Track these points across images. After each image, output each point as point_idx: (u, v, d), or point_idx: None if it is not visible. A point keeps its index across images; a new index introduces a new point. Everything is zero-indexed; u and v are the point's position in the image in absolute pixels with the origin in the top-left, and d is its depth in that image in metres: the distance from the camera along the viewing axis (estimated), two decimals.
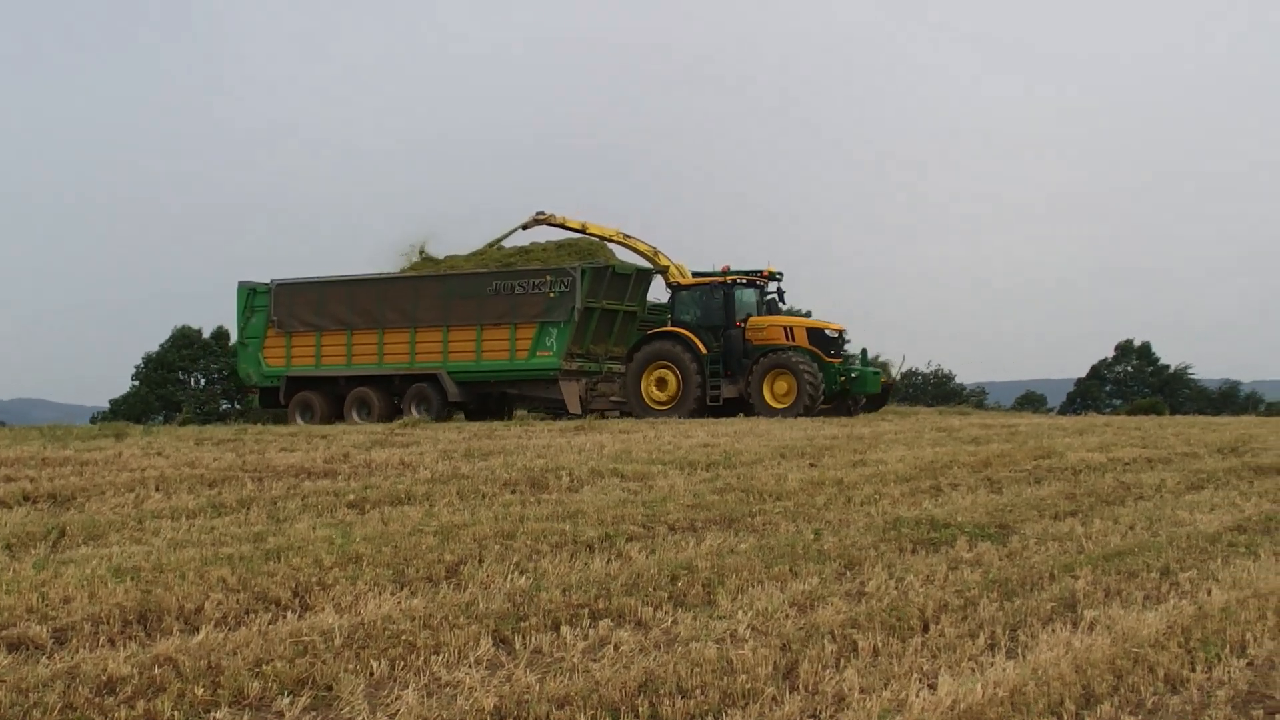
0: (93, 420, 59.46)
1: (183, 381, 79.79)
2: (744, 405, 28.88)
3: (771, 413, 27.73)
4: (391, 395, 31.05)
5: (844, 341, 30.22)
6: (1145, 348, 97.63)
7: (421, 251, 33.90)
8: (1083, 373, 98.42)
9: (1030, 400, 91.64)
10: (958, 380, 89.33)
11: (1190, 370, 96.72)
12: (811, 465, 15.82)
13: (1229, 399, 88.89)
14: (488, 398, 31.52)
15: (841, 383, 29.38)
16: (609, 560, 9.57)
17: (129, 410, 70.42)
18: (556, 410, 30.48)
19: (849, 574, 9.45)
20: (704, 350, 29.13)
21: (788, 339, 29.32)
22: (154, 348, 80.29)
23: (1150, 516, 12.52)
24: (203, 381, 79.92)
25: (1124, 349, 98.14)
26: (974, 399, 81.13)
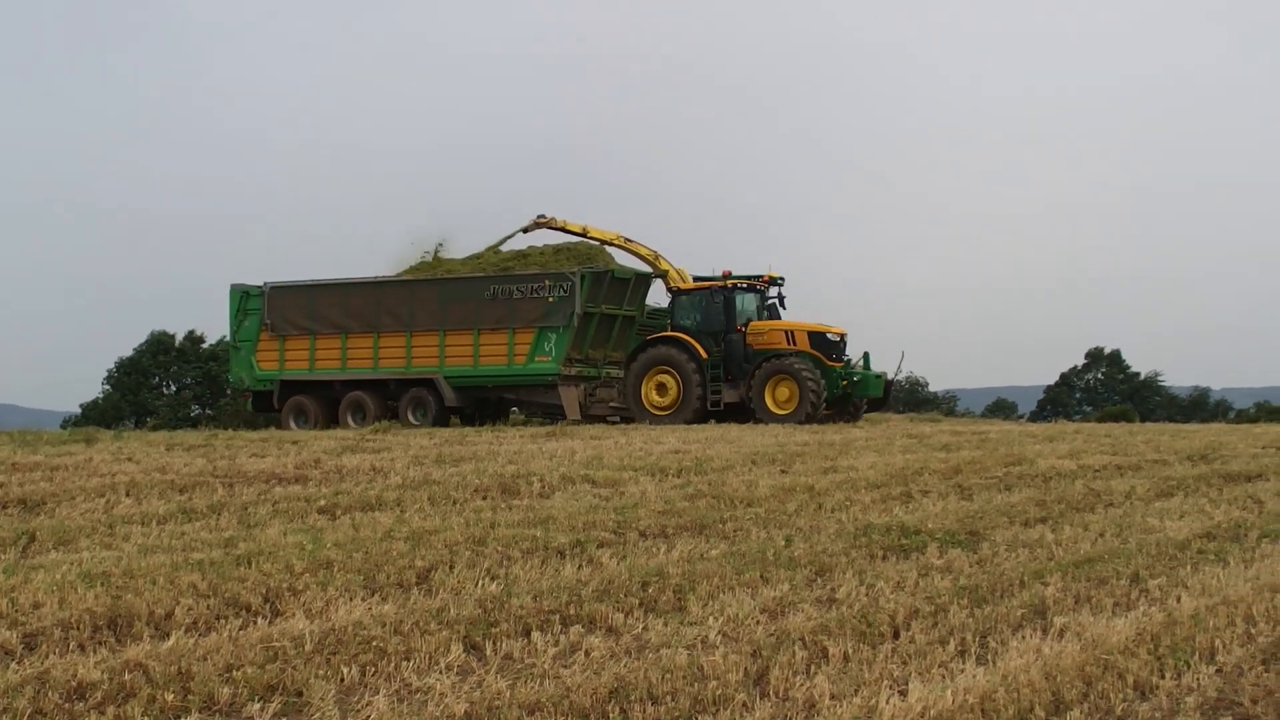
0: (63, 425, 59.21)
1: (157, 387, 79.24)
2: (745, 411, 28.68)
3: (774, 419, 27.52)
4: (387, 400, 30.80)
5: (845, 345, 30.00)
6: (1115, 355, 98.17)
7: (437, 252, 33.72)
8: (1053, 380, 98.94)
9: (1001, 407, 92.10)
10: (929, 388, 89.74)
11: (1160, 377, 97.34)
12: (783, 472, 15.84)
13: (1199, 406, 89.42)
14: (485, 403, 31.34)
15: (844, 387, 29.17)
16: (580, 566, 9.57)
17: (100, 416, 70.00)
18: (555, 415, 30.40)
19: (820, 580, 9.48)
20: (704, 355, 28.94)
21: (789, 344, 29.10)
22: (127, 352, 79.87)
23: (1120, 523, 12.57)
24: (174, 388, 79.36)
25: (1094, 356, 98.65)
26: (944, 406, 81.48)
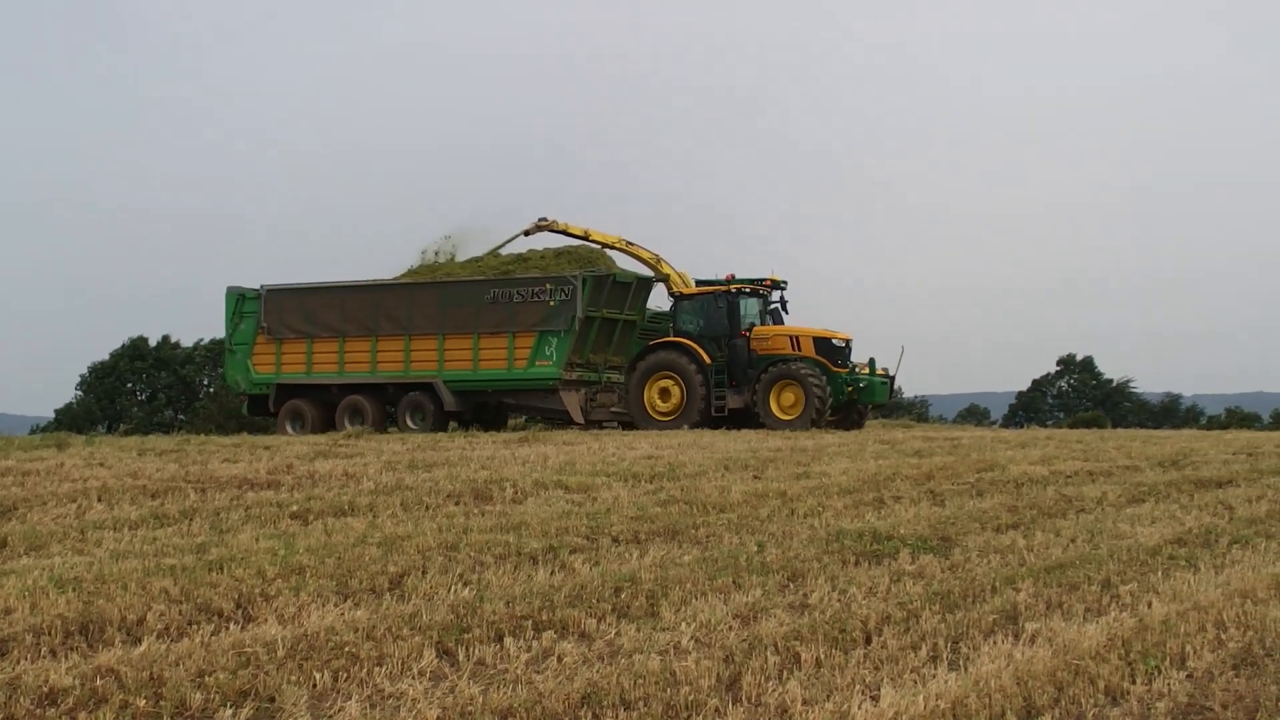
0: (33, 431, 58.86)
1: (132, 392, 78.95)
2: (749, 416, 28.51)
3: (779, 425, 27.33)
4: (385, 404, 30.54)
5: (851, 351, 29.77)
6: (1088, 361, 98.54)
7: (450, 252, 33.47)
8: (1025, 386, 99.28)
9: (973, 413, 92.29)
10: (902, 393, 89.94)
11: (1132, 384, 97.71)
12: (755, 477, 15.86)
13: (1170, 412, 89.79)
14: (484, 407, 31.13)
15: (849, 392, 29.01)
16: (553, 572, 9.57)
17: (73, 422, 69.66)
18: (556, 420, 30.22)
19: (792, 586, 9.49)
20: (708, 360, 28.80)
21: (794, 349, 28.97)
22: (102, 357, 79.58)
23: (1091, 529, 12.62)
24: (148, 393, 79.07)
25: (1066, 363, 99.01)
26: (916, 411, 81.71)
